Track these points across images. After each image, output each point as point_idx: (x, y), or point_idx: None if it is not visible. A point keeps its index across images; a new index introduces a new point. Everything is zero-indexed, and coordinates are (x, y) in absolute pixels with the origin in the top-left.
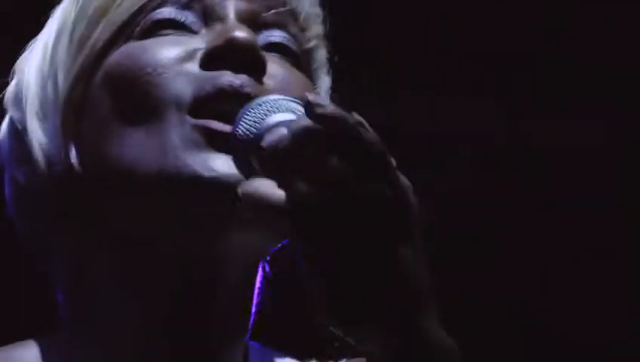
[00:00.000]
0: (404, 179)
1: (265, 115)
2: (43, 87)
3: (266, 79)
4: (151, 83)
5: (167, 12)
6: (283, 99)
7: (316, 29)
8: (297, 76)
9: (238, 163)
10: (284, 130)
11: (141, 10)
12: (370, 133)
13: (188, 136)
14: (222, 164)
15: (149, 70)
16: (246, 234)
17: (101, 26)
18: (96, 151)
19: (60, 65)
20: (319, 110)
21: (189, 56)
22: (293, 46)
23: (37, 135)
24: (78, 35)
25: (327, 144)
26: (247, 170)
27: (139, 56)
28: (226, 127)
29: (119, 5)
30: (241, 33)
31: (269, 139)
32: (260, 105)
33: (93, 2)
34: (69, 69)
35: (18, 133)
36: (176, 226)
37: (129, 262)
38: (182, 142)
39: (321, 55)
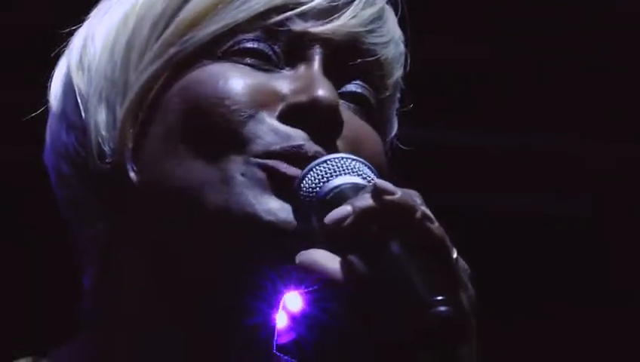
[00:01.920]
0: (464, 272)
1: (331, 174)
2: (112, 72)
3: (338, 140)
4: (226, 117)
5: (254, 41)
6: (350, 158)
7: (397, 74)
8: (369, 133)
9: (298, 215)
10: (347, 209)
11: (230, 33)
12: (435, 228)
13: (254, 174)
14: (282, 212)
15: (228, 103)
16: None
17: (188, 37)
18: (155, 164)
19: (134, 58)
20: (387, 198)
21: (268, 100)
22: (371, 98)
23: (96, 119)
24: (160, 36)
25: (389, 231)
26: (306, 224)
27: (220, 84)
28: (292, 170)
29: (209, 21)
30: (325, 93)
31: (332, 216)
32: (327, 163)
33: (185, 10)
34: (143, 69)
35: (76, 100)
36: (218, 256)
37: (160, 273)
38: (246, 179)
39: (395, 100)
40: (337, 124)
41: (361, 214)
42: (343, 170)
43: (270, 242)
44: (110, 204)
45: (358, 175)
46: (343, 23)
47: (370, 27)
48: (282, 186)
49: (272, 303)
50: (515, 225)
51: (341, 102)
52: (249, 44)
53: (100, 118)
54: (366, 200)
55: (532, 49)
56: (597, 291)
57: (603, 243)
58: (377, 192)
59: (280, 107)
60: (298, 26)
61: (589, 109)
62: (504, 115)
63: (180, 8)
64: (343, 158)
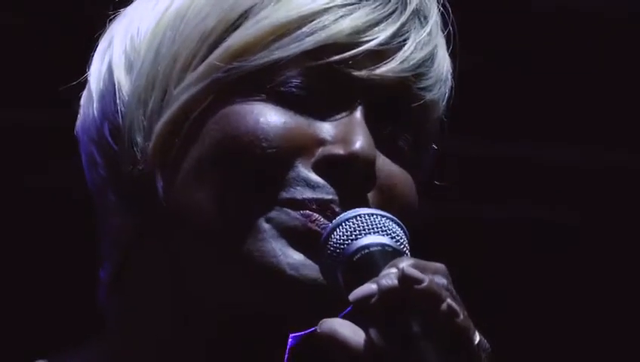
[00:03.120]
0: (484, 353)
1: (359, 232)
2: (153, 79)
3: (372, 196)
4: (260, 158)
5: (299, 82)
6: (380, 215)
7: (441, 109)
8: (403, 179)
9: (323, 269)
10: (372, 288)
11: (277, 68)
12: (459, 321)
13: (280, 223)
14: (305, 268)
15: (265, 145)
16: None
17: (235, 65)
18: (183, 188)
19: (178, 70)
20: (416, 287)
21: (306, 145)
22: (410, 139)
23: (132, 123)
24: (207, 55)
25: (413, 313)
26: (331, 279)
27: (260, 123)
28: (319, 223)
29: (258, 53)
30: (362, 148)
31: (357, 294)
32: (356, 220)
33: (234, 36)
34: (186, 87)
35: (115, 94)
36: (234, 299)
37: (174, 292)
38: (272, 227)
39: (437, 130)
40: (372, 179)
41: (386, 295)
42: (372, 229)
43: (290, 298)
44: (135, 208)
45: (387, 234)
46: (391, 68)
47: (419, 71)
48: (308, 240)
49: (286, 341)
50: (505, 232)
51: (377, 145)
52: (294, 85)
53: (136, 123)
54: (392, 281)
55: (518, 55)
56: (586, 298)
57: (592, 250)
58: (404, 280)
59: (316, 155)
60: (346, 69)
61: (576, 116)
62: (492, 123)
63: (230, 30)
64: (372, 215)
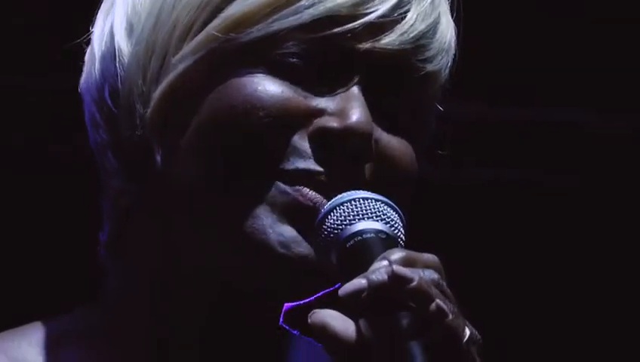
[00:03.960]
0: (473, 347)
1: (353, 217)
2: (153, 44)
3: (369, 168)
4: (256, 128)
5: (297, 54)
6: (375, 199)
7: (442, 79)
8: (402, 151)
9: (317, 248)
10: (362, 283)
11: (275, 39)
12: (448, 321)
13: (274, 198)
14: (296, 244)
15: (261, 114)
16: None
17: (232, 36)
18: (181, 156)
19: (176, 37)
20: (408, 286)
21: (302, 116)
22: (409, 110)
23: (131, 88)
24: (206, 23)
25: (401, 307)
26: (325, 260)
27: (257, 93)
28: (312, 198)
29: (256, 24)
30: (359, 121)
31: (347, 289)
32: (351, 204)
33: (233, 6)
34: (184, 56)
35: (115, 56)
36: (225, 272)
37: (168, 261)
38: (265, 202)
39: (437, 100)
40: (368, 153)
41: (376, 291)
42: (366, 214)
43: (280, 275)
44: (134, 173)
45: (382, 219)
46: (391, 40)
47: (419, 42)
48: (299, 215)
49: (280, 310)
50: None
51: (377, 118)
52: (293, 57)
53: (135, 88)
54: (382, 276)
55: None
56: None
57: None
58: (394, 279)
59: (312, 126)
60: (344, 42)
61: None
62: (495, 87)
63: (229, 0)
64: (367, 199)
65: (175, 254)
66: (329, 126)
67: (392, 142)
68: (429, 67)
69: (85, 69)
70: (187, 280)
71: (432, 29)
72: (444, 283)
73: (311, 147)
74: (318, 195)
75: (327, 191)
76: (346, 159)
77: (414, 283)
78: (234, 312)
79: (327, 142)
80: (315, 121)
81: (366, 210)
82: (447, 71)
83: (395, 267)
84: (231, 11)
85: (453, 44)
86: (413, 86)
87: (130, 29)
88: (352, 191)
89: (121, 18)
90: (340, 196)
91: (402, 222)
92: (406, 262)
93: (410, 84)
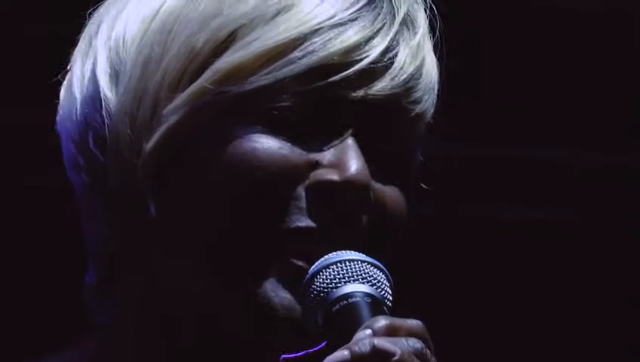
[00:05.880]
0: None
1: (339, 280)
2: (143, 93)
3: (366, 217)
4: (256, 185)
5: (289, 106)
6: (362, 261)
7: (429, 115)
8: (394, 198)
9: (304, 309)
10: (345, 354)
11: (267, 92)
12: None
13: (279, 263)
14: (292, 308)
15: (259, 173)
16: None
17: (224, 89)
18: (179, 213)
19: (166, 88)
20: (390, 360)
21: (299, 171)
22: (398, 155)
23: (118, 138)
24: (196, 74)
25: None
26: (311, 321)
27: (254, 153)
28: (306, 258)
29: (247, 78)
30: (357, 173)
31: (330, 360)
32: (336, 266)
33: (224, 58)
34: (175, 109)
35: (101, 104)
36: (225, 323)
37: (153, 303)
38: (271, 268)
39: (421, 140)
40: (367, 204)
41: None
42: (352, 276)
43: (277, 331)
44: (121, 220)
45: (368, 281)
46: (383, 86)
47: (409, 85)
48: (295, 280)
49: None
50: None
51: (371, 166)
52: (287, 110)
53: (122, 138)
54: (365, 348)
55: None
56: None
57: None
58: (375, 353)
59: (310, 180)
60: (338, 91)
61: (574, 119)
62: (493, 126)
63: (218, 51)
64: (354, 261)
65: (164, 305)
66: (327, 179)
67: (386, 190)
68: (418, 108)
69: (63, 108)
70: (174, 332)
71: (419, 69)
72: (429, 351)
73: (309, 202)
74: (313, 258)
75: (327, 247)
76: (346, 212)
77: (396, 357)
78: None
79: (326, 196)
80: (312, 174)
81: (352, 273)
82: (432, 109)
83: (377, 341)
84: (222, 64)
85: (437, 83)
86: (403, 129)
87: (115, 77)
88: (340, 253)
89: (103, 63)
90: (326, 257)
91: (389, 283)
92: (389, 331)
93: (400, 127)
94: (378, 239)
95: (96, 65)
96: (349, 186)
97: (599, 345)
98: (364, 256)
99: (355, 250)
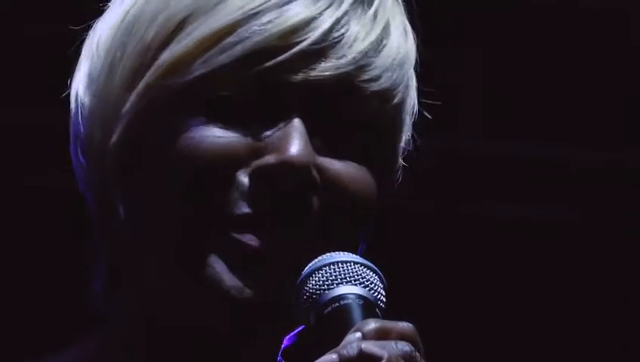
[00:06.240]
0: None
1: (332, 281)
2: (107, 96)
3: (316, 199)
4: (199, 175)
5: (232, 93)
6: (354, 262)
7: (398, 97)
8: (354, 178)
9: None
10: (333, 358)
11: (210, 80)
12: None
13: (223, 247)
14: (245, 290)
15: (201, 162)
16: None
17: (168, 81)
18: (138, 211)
19: (123, 88)
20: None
21: (242, 159)
22: (362, 136)
23: (92, 141)
24: (146, 71)
25: None
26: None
27: (197, 145)
28: (255, 243)
29: (189, 68)
30: (296, 153)
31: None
32: (329, 268)
33: (167, 52)
34: (128, 109)
35: (81, 118)
36: (191, 318)
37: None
38: (218, 253)
39: (404, 118)
40: (310, 184)
41: None
42: (345, 278)
43: (226, 314)
44: (108, 217)
45: (361, 283)
46: (326, 66)
47: (360, 63)
48: (245, 264)
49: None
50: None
51: (323, 147)
52: (229, 97)
53: (95, 143)
54: (353, 351)
55: (516, 54)
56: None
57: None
58: (363, 357)
59: (252, 166)
60: (280, 75)
61: (574, 116)
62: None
63: (165, 44)
64: (347, 263)
65: (148, 305)
66: (265, 163)
67: (338, 168)
68: (374, 87)
69: (71, 116)
70: (161, 330)
71: (375, 46)
72: (418, 354)
73: (253, 188)
74: (260, 241)
75: (273, 232)
76: (289, 194)
77: (383, 360)
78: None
79: (268, 180)
80: (255, 160)
81: (345, 274)
82: (404, 87)
83: (364, 344)
84: (164, 57)
85: (408, 58)
86: (359, 107)
87: (90, 82)
88: (333, 254)
89: (84, 71)
90: (320, 258)
91: (382, 284)
92: (379, 334)
93: (354, 106)
94: (337, 221)
95: (79, 75)
96: (286, 167)
97: (599, 345)
98: (357, 257)
99: (308, 235)
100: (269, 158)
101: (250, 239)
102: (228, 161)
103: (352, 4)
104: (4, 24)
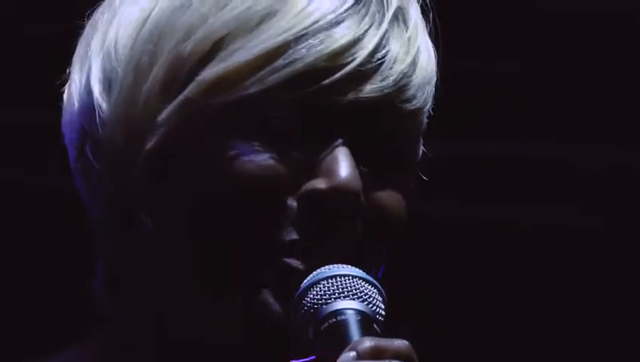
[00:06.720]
0: None
1: (329, 296)
2: (133, 102)
3: (361, 226)
4: (246, 199)
5: (277, 115)
6: (353, 276)
7: (426, 110)
8: (392, 201)
9: (296, 323)
10: None
11: (254, 101)
12: None
13: (265, 274)
14: (282, 319)
15: (249, 185)
16: None
17: (210, 99)
18: (172, 225)
19: (157, 95)
20: None
21: (288, 183)
22: (393, 155)
23: (113, 148)
24: (186, 83)
25: None
26: (301, 333)
27: (245, 162)
28: (299, 268)
29: (233, 87)
30: (346, 180)
31: None
32: (328, 281)
33: (210, 68)
34: (164, 120)
35: (94, 112)
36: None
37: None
38: (259, 278)
39: (422, 129)
40: (359, 210)
41: None
42: (343, 292)
43: (267, 347)
44: (119, 221)
45: (359, 298)
46: (373, 88)
47: (400, 84)
48: (283, 291)
49: None
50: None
51: (365, 170)
52: (275, 119)
53: (117, 148)
54: None
55: (521, 57)
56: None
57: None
58: None
59: (301, 191)
60: (326, 97)
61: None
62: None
63: (204, 60)
64: (346, 276)
65: (159, 307)
66: (316, 188)
67: (381, 194)
68: (411, 106)
69: (64, 115)
70: (171, 336)
71: (412, 66)
72: None
73: (302, 213)
74: (309, 269)
75: (318, 258)
76: (339, 220)
77: None
78: None
79: (316, 205)
80: (303, 185)
81: (343, 289)
82: (430, 102)
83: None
84: (207, 75)
85: (434, 75)
86: (398, 128)
87: (108, 85)
88: (333, 267)
89: (97, 71)
90: (319, 271)
91: (382, 297)
92: (374, 353)
93: (394, 126)
94: (374, 242)
95: (90, 73)
96: (337, 193)
97: (598, 344)
98: (356, 270)
99: (349, 258)
100: (319, 183)
101: (298, 265)
102: (275, 184)
103: (390, 22)
104: (4, 24)
